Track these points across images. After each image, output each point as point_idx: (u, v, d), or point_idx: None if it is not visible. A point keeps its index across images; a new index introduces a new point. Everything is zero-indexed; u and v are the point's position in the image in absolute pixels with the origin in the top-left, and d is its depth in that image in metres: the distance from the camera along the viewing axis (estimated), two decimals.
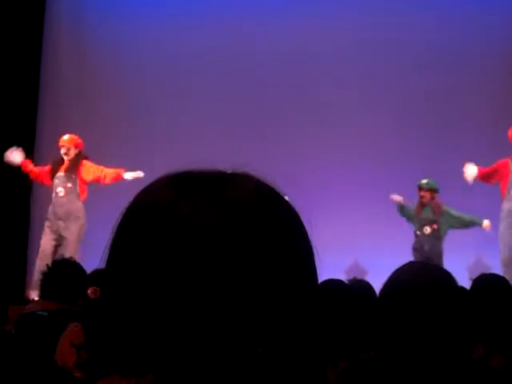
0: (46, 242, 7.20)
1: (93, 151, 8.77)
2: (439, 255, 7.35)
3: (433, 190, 7.52)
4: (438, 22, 8.46)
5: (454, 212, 7.47)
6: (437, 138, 8.28)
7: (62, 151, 7.21)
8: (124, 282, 0.69)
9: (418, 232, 7.55)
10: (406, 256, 7.16)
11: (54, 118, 9.08)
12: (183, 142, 8.33)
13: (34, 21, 9.01)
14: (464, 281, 5.35)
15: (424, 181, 7.52)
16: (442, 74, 8.42)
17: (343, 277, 3.92)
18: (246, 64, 8.73)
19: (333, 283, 2.86)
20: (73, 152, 7.19)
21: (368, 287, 3.21)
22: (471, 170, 7.32)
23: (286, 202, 0.73)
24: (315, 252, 0.73)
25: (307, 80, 8.59)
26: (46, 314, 3.12)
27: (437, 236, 7.46)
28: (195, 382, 0.67)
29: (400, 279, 1.76)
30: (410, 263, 1.92)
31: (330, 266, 4.44)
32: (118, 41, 9.12)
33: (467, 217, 7.47)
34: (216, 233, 0.66)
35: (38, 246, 8.66)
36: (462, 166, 7.53)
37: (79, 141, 7.29)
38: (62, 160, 7.24)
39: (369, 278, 4.77)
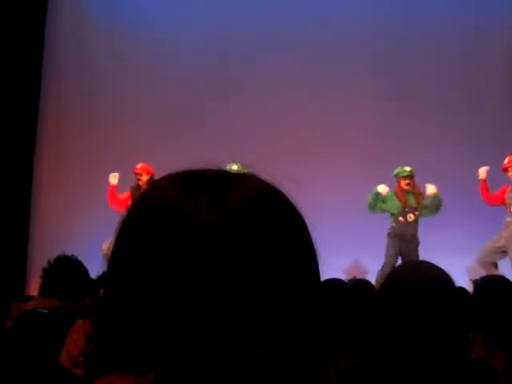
0: None
1: (93, 150, 8.80)
2: (417, 244, 7.41)
3: (413, 176, 7.57)
4: (438, 22, 8.46)
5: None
6: (437, 138, 8.28)
7: (136, 178, 7.74)
8: (126, 279, 0.68)
9: (401, 218, 7.52)
10: None
11: (55, 117, 9.09)
12: (184, 141, 8.33)
13: (36, 19, 9.01)
14: (464, 282, 5.37)
15: (408, 168, 7.54)
16: (442, 74, 8.42)
17: (343, 276, 3.92)
18: (246, 61, 8.74)
19: (333, 282, 2.86)
20: (145, 178, 7.66)
21: (368, 286, 3.21)
22: (482, 170, 7.40)
23: (290, 202, 0.73)
24: (317, 251, 0.73)
25: (307, 81, 8.59)
26: (46, 311, 3.12)
27: (416, 222, 7.52)
28: (196, 381, 0.67)
29: (397, 277, 1.76)
30: (407, 262, 1.92)
31: (331, 265, 4.44)
32: (120, 39, 9.13)
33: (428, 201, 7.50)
34: (219, 232, 0.66)
35: (38, 244, 8.68)
36: (464, 166, 7.54)
37: (151, 168, 7.73)
38: (139, 186, 7.72)
39: (369, 278, 4.77)
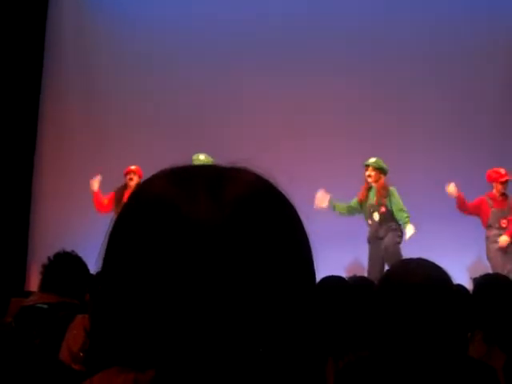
0: None
1: (93, 151, 8.80)
2: (396, 244, 6.84)
3: (379, 170, 6.94)
4: (438, 21, 8.47)
5: (396, 197, 6.91)
6: (437, 138, 8.27)
7: (128, 177, 7.73)
8: (122, 275, 0.68)
9: (369, 221, 6.93)
10: (405, 254, 7.16)
11: (56, 117, 9.09)
12: (184, 141, 8.32)
13: (37, 19, 9.01)
14: (464, 281, 5.36)
15: (372, 159, 6.96)
16: (442, 74, 8.42)
17: (344, 274, 3.92)
18: (246, 61, 8.75)
19: (333, 280, 2.86)
20: (136, 180, 7.69)
21: (369, 284, 3.21)
22: (451, 189, 7.03)
23: (286, 197, 0.73)
24: (313, 249, 0.72)
25: (307, 81, 8.59)
26: (46, 306, 3.12)
27: (385, 221, 6.86)
28: (196, 378, 0.67)
29: (395, 276, 1.75)
30: (405, 260, 1.92)
31: (331, 263, 4.44)
32: (120, 39, 9.13)
33: (402, 213, 6.87)
34: (215, 228, 0.66)
35: (39, 239, 8.68)
36: (464, 166, 7.54)
37: (141, 171, 7.77)
38: (125, 186, 7.71)
39: None
